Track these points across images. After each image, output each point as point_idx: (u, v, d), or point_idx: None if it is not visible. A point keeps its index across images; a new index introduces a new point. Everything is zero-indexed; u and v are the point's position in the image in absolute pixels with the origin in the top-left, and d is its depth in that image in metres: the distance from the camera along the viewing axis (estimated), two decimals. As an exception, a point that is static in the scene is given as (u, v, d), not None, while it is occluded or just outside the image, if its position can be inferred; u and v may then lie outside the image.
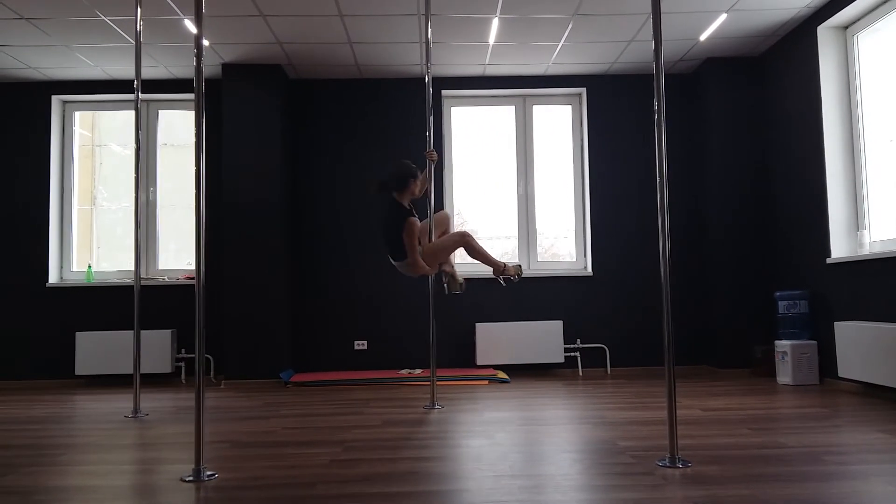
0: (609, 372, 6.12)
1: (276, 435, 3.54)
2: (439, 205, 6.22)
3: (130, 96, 6.21)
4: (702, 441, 3.17)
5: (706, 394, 4.71)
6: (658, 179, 2.89)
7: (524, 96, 6.49)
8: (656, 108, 2.91)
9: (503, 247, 6.51)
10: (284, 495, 2.42)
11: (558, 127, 6.54)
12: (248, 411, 4.36)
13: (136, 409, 4.29)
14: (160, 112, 6.46)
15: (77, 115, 6.48)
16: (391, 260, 4.25)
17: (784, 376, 5.12)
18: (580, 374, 6.08)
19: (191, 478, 2.66)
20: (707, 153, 6.09)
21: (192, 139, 6.10)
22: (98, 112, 6.59)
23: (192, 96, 6.19)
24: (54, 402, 4.99)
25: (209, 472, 2.71)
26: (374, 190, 4.32)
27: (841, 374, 4.64)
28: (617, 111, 6.35)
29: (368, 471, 2.75)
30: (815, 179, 5.16)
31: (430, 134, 4.47)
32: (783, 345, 5.13)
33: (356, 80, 6.35)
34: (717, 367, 5.92)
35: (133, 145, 4.53)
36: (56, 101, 6.34)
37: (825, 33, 5.08)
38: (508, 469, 2.73)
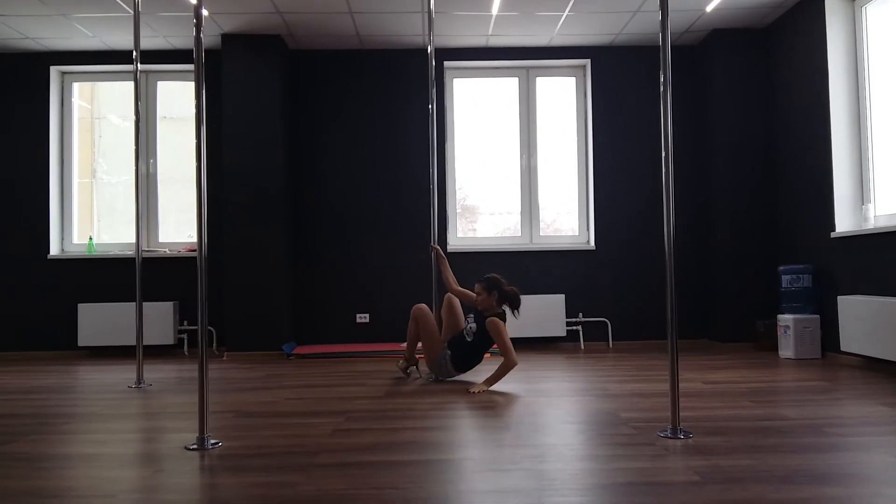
0: (611, 346, 6.13)
1: (279, 405, 3.55)
2: (441, 179, 6.19)
3: (129, 67, 6.16)
4: (703, 413, 3.18)
5: (708, 367, 4.72)
6: (664, 153, 2.86)
7: (527, 68, 6.42)
8: (662, 80, 2.87)
9: (505, 222, 6.50)
10: (288, 463, 2.43)
11: (562, 99, 6.48)
12: (250, 382, 4.38)
13: (139, 380, 4.31)
14: (159, 83, 6.40)
15: (76, 86, 6.43)
16: (453, 370, 4.25)
17: (786, 350, 5.13)
18: (582, 347, 6.10)
19: (195, 446, 2.67)
20: (712, 126, 6.03)
21: (191, 112, 6.06)
22: (97, 83, 6.54)
23: (191, 67, 6.13)
24: (57, 373, 5.01)
25: (213, 441, 2.72)
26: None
27: (843, 348, 4.65)
28: (621, 83, 6.28)
29: (371, 440, 2.76)
30: (820, 153, 5.11)
31: (433, 107, 4.43)
32: (786, 319, 5.13)
33: (357, 50, 6.28)
34: (719, 342, 5.93)
35: (132, 117, 4.48)
36: (55, 71, 6.28)
37: (833, 4, 5.00)
38: (511, 439, 2.75)
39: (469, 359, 4.19)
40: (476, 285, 4.15)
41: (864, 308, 4.40)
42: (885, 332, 4.18)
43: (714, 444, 2.61)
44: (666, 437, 2.72)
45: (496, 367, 3.97)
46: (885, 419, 3.00)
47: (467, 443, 2.71)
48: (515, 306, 4.13)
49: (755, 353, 5.44)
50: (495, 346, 4.06)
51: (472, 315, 4.26)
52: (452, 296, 4.39)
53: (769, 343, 5.55)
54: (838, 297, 4.72)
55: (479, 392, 3.82)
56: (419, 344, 4.33)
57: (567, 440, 2.72)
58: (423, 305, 4.30)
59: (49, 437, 2.91)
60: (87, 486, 2.22)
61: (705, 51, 6.12)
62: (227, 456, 2.56)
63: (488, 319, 4.03)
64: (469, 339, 4.16)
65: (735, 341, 5.82)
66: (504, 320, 4.07)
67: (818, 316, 5.08)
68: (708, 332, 6.17)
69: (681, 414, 2.81)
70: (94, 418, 3.33)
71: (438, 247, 4.47)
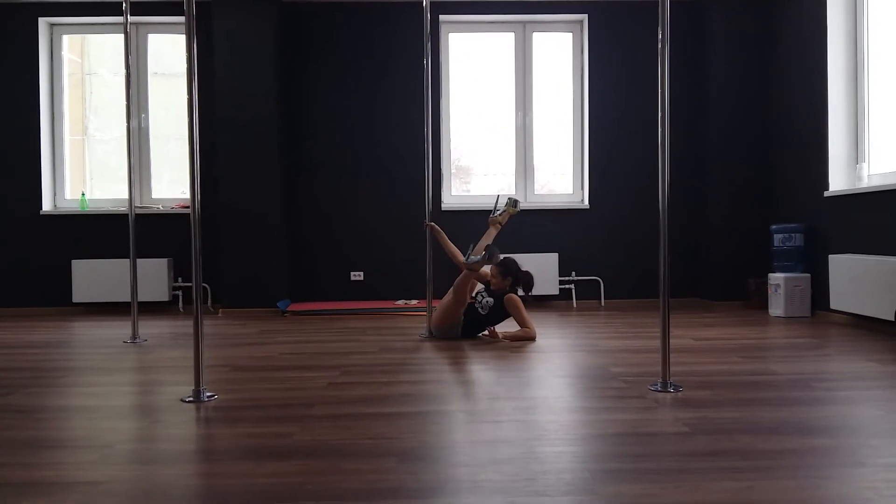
0: (603, 304, 6.18)
1: (274, 360, 3.58)
2: (436, 137, 6.14)
3: (119, 19, 6.04)
4: (693, 368, 3.22)
5: (698, 324, 4.77)
6: (660, 113, 2.83)
7: (524, 23, 6.32)
8: (660, 37, 2.83)
9: (499, 183, 6.46)
10: (284, 415, 2.46)
11: (558, 56, 6.40)
12: (245, 338, 4.41)
13: (134, 335, 4.33)
14: (150, 36, 6.28)
15: (65, 38, 6.30)
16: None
17: (776, 308, 5.18)
18: (574, 305, 6.14)
19: (191, 398, 2.70)
20: (709, 85, 5.98)
21: (183, 67, 5.96)
22: (87, 37, 6.41)
23: (182, 19, 6.02)
24: (53, 328, 5.03)
25: (209, 394, 2.75)
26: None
27: (833, 306, 4.69)
28: (619, 40, 6.20)
29: (366, 393, 2.79)
30: (817, 111, 5.09)
31: (428, 61, 4.37)
32: (776, 277, 5.17)
33: (351, 3, 6.16)
34: (711, 300, 5.98)
35: (123, 71, 4.41)
36: (43, 23, 6.15)
37: (835, -42, 4.93)
38: (503, 392, 2.78)
39: (478, 329, 4.30)
40: (492, 268, 4.28)
41: (855, 266, 4.43)
42: (874, 291, 4.22)
43: (703, 397, 2.65)
44: (656, 390, 2.76)
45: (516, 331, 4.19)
46: (872, 374, 3.05)
47: (460, 396, 2.74)
48: (529, 289, 4.32)
49: (746, 312, 5.50)
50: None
51: (483, 289, 4.34)
52: (473, 279, 4.38)
53: (760, 302, 5.60)
54: (829, 256, 4.75)
55: (494, 333, 4.10)
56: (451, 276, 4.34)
57: (558, 393, 2.76)
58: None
59: (46, 390, 2.93)
60: (85, 436, 2.24)
61: (705, 7, 6.03)
62: (222, 408, 2.59)
63: (507, 296, 4.20)
64: (483, 313, 4.25)
65: (726, 300, 5.87)
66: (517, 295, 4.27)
67: (809, 275, 5.12)
68: (699, 290, 6.21)
69: (671, 369, 2.85)
70: (90, 372, 3.35)
71: (433, 223, 4.47)
